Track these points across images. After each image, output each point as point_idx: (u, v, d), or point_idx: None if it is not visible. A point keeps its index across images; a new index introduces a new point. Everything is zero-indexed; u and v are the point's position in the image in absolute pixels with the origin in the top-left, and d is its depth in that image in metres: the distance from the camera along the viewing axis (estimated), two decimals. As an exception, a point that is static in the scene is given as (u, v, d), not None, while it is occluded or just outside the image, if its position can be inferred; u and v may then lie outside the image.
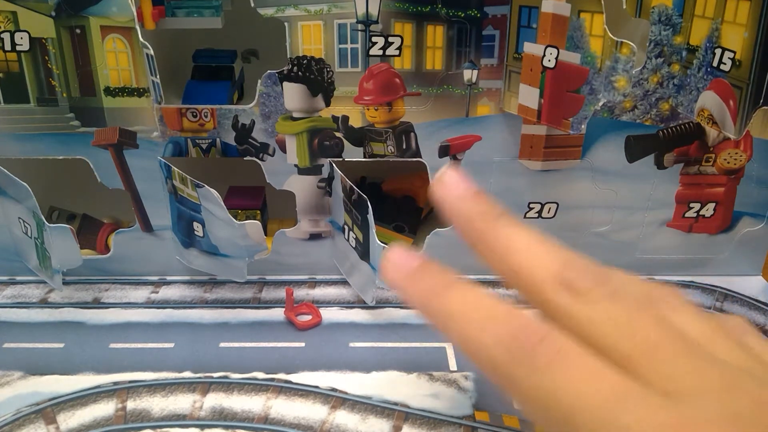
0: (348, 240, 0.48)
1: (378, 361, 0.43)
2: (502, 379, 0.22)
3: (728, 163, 0.48)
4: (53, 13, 0.42)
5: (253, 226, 0.47)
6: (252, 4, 0.42)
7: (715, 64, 0.41)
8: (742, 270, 0.53)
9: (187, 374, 0.42)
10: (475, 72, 0.45)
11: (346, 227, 0.48)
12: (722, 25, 0.40)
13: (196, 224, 0.47)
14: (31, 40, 0.42)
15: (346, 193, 0.46)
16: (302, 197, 0.49)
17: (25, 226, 0.47)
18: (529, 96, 0.43)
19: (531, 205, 0.49)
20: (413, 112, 0.46)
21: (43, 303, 0.49)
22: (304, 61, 0.44)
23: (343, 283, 0.52)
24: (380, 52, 0.44)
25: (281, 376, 0.42)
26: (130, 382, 0.41)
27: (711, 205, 0.50)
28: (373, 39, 0.43)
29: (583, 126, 0.41)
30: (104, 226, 0.53)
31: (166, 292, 0.50)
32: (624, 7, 0.41)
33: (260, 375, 0.42)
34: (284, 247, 0.51)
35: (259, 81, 0.45)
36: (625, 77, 0.40)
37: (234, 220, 0.45)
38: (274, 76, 0.44)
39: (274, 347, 0.45)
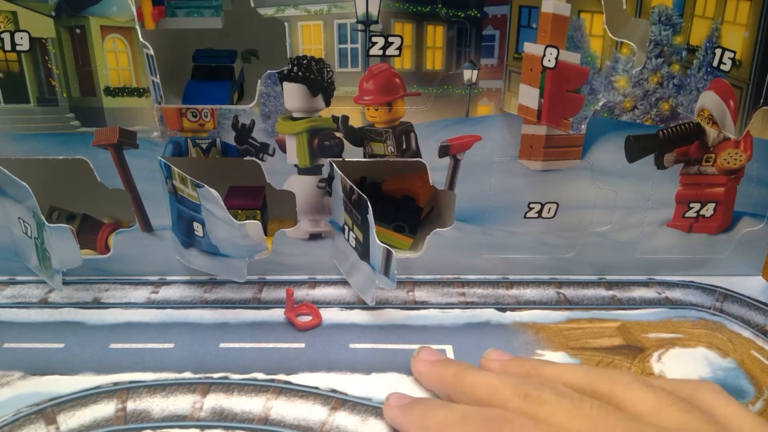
0: (348, 240, 0.48)
1: (378, 363, 0.43)
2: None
3: (728, 163, 0.48)
4: (53, 13, 0.42)
5: (253, 226, 0.47)
6: (252, 4, 0.42)
7: (715, 64, 0.41)
8: (742, 270, 0.53)
9: (187, 375, 0.42)
10: (475, 72, 0.45)
11: (346, 227, 0.48)
12: (722, 25, 0.40)
13: (196, 224, 0.47)
14: (31, 40, 0.42)
15: (346, 193, 0.46)
16: (302, 197, 0.49)
17: (25, 226, 0.47)
18: (529, 96, 0.43)
19: (531, 205, 0.49)
20: (413, 112, 0.46)
21: (43, 303, 0.49)
22: (304, 61, 0.44)
23: (343, 283, 0.52)
24: (380, 52, 0.44)
25: (281, 376, 0.42)
26: (130, 382, 0.41)
27: (711, 205, 0.50)
28: (373, 39, 0.43)
29: (583, 126, 0.41)
30: (104, 226, 0.53)
31: (166, 292, 0.50)
32: (624, 7, 0.41)
33: (260, 376, 0.42)
34: (284, 247, 0.51)
35: (259, 81, 0.45)
36: (625, 77, 0.40)
37: (234, 220, 0.45)
38: (274, 76, 0.44)
39: (274, 348, 0.44)
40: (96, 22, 0.42)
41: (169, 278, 0.52)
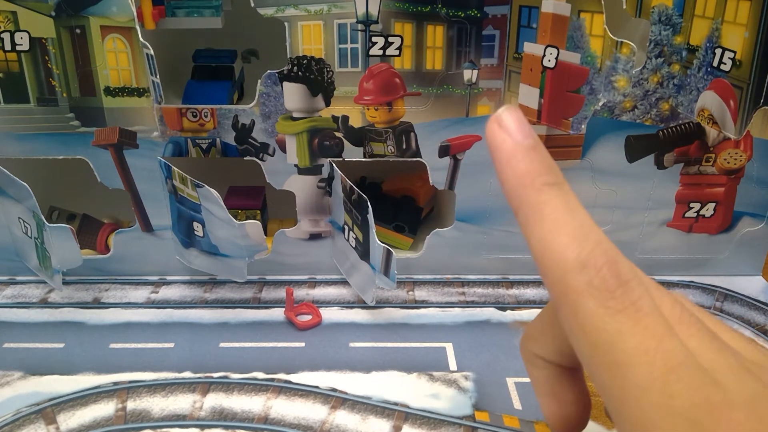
0: (348, 240, 0.48)
1: (378, 361, 0.43)
2: (564, 299, 0.22)
3: (728, 163, 0.48)
4: (53, 13, 0.42)
5: (253, 226, 0.47)
6: (252, 4, 0.42)
7: (715, 64, 0.41)
8: (742, 270, 0.53)
9: (187, 374, 0.42)
10: (475, 72, 0.45)
11: (346, 227, 0.48)
12: (722, 25, 0.40)
13: (196, 224, 0.47)
14: (31, 40, 0.42)
15: (346, 193, 0.46)
16: (302, 197, 0.49)
17: (25, 226, 0.47)
18: (529, 96, 0.43)
19: (531, 205, 0.49)
20: (413, 112, 0.46)
21: (43, 303, 0.49)
22: (304, 61, 0.44)
23: (343, 283, 0.52)
24: (380, 52, 0.44)
25: (281, 376, 0.42)
26: (130, 382, 0.41)
27: (711, 205, 0.50)
28: (373, 39, 0.43)
29: (583, 126, 0.41)
30: (104, 226, 0.53)
31: (166, 292, 0.50)
32: (624, 7, 0.41)
33: (260, 375, 0.42)
34: (284, 247, 0.51)
35: (259, 81, 0.45)
36: (625, 77, 0.40)
37: (234, 220, 0.45)
38: (274, 76, 0.44)
39: (274, 347, 0.45)
40: (96, 22, 0.42)
41: (169, 278, 0.52)
